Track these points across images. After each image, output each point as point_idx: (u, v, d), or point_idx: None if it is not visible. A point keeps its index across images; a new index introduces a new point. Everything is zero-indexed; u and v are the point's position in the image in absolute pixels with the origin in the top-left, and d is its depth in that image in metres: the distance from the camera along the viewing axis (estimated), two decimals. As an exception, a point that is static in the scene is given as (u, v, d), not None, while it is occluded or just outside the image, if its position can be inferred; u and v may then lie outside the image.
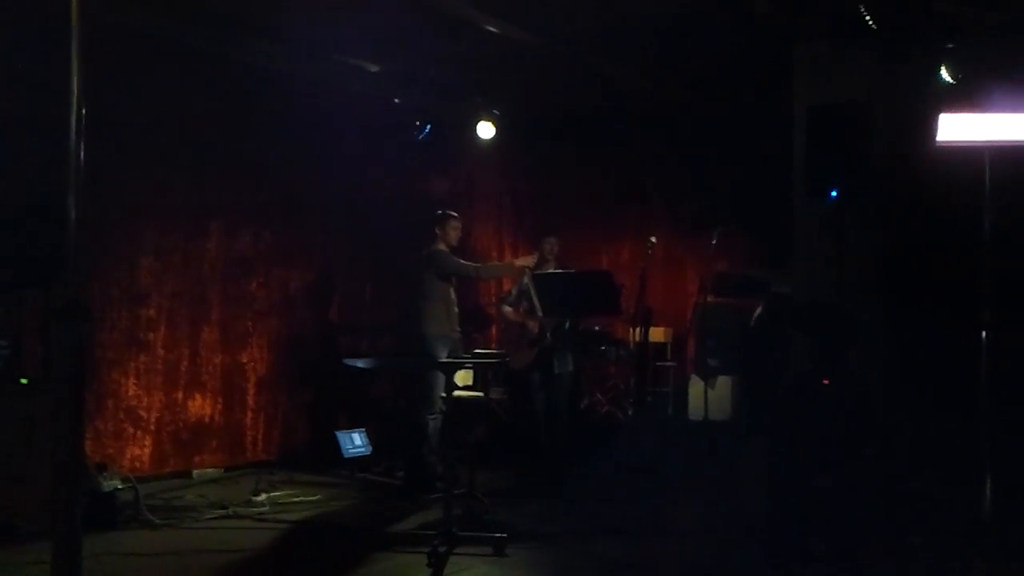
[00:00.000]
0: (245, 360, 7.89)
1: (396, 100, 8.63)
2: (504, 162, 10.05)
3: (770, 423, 5.78)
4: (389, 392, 8.72)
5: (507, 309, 7.56)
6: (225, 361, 7.72)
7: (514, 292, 7.56)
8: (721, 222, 7.06)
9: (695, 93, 8.48)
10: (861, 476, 5.34)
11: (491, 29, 6.86)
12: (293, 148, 8.01)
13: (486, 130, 8.57)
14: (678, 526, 5.87)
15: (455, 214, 7.37)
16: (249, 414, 7.90)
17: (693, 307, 7.90)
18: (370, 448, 8.00)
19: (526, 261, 7.42)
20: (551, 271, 7.21)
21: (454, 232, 7.27)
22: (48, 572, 2.88)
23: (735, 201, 8.57)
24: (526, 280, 7.20)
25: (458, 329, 7.25)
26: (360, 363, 7.59)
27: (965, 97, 5.68)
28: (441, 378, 6.20)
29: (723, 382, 8.22)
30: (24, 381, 5.56)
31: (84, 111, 2.90)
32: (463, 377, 8.39)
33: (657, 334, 8.88)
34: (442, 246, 7.21)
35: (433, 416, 6.88)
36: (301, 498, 6.61)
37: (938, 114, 5.23)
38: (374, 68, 7.99)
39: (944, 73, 6.05)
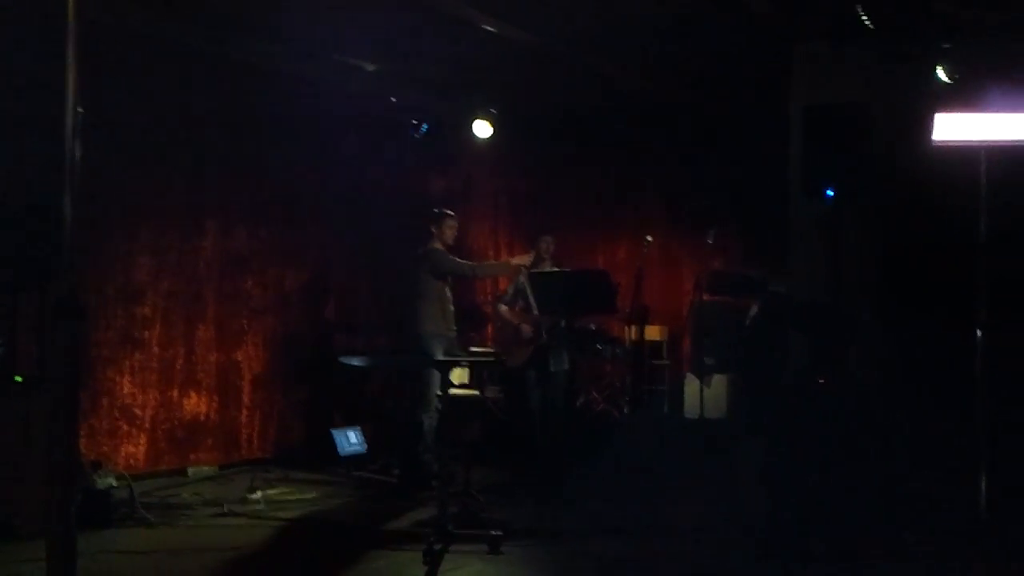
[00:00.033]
0: (240, 358, 7.87)
1: (394, 99, 8.62)
2: (502, 161, 10.04)
3: (769, 423, 5.79)
4: (385, 390, 8.71)
5: (503, 308, 7.55)
6: (220, 359, 7.70)
7: (510, 291, 7.55)
8: (719, 221, 7.07)
9: (694, 93, 8.48)
10: (860, 476, 5.35)
11: (489, 29, 6.85)
12: (291, 147, 8.00)
13: (484, 129, 8.56)
14: (675, 525, 5.85)
15: (451, 213, 7.37)
16: (244, 412, 7.88)
17: (689, 306, 7.90)
18: (366, 446, 7.98)
19: (522, 260, 7.43)
20: (547, 270, 7.21)
21: (450, 231, 7.27)
22: (44, 570, 2.87)
23: (733, 200, 8.58)
24: (522, 279, 7.20)
25: (454, 328, 7.25)
26: (356, 361, 7.60)
27: (964, 97, 5.68)
28: (437, 376, 6.19)
29: (719, 380, 8.23)
30: (19, 379, 5.55)
31: (82, 111, 2.89)
32: (459, 375, 8.38)
33: (653, 332, 8.89)
34: (438, 245, 7.20)
35: (429, 414, 6.88)
36: (296, 496, 6.60)
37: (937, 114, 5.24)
38: (372, 68, 7.98)
39: (940, 73, 6.05)
